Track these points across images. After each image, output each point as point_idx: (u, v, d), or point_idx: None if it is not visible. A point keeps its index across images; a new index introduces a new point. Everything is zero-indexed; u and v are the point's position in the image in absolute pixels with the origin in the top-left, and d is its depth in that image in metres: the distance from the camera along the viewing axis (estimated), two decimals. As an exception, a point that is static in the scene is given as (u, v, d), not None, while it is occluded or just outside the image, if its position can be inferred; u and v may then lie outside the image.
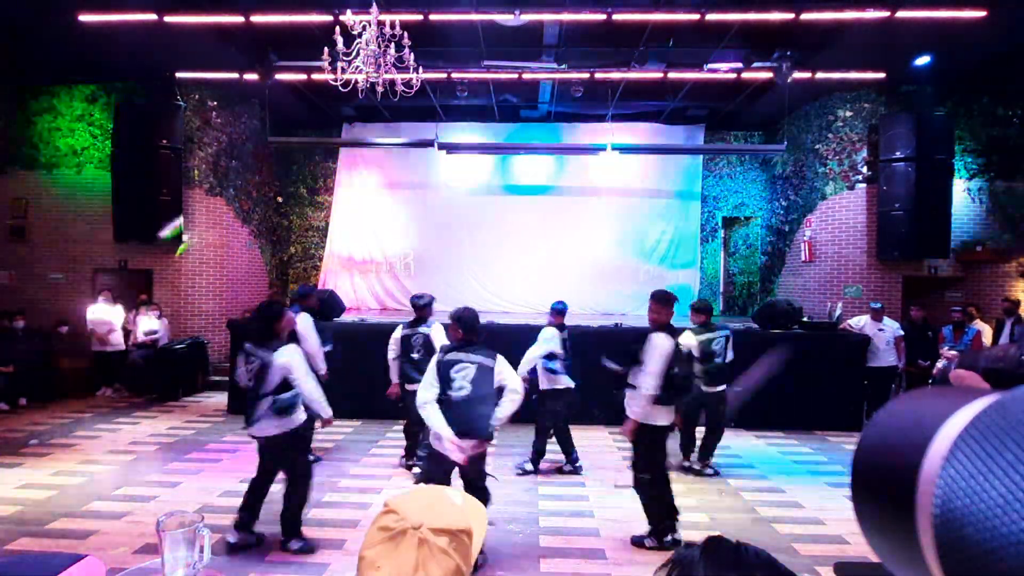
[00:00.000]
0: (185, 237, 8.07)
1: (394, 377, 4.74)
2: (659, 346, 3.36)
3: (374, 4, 4.72)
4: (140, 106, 7.91)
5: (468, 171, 10.17)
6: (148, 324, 7.59)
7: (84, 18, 6.15)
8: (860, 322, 6.64)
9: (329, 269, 10.27)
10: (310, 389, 3.33)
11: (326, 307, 6.76)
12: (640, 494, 3.54)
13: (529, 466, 4.79)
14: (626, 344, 3.62)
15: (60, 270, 8.34)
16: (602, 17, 6.04)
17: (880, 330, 6.43)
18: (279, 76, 7.51)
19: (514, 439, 5.53)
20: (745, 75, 7.43)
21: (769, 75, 7.23)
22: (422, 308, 4.65)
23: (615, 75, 7.61)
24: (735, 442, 5.74)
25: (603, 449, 5.60)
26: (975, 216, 7.82)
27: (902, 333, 6.50)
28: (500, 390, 3.10)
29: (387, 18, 4.80)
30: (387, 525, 0.77)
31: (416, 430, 4.58)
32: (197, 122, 8.26)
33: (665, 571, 0.51)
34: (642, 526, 3.57)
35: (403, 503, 0.80)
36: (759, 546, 0.50)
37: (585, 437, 5.94)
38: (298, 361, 3.29)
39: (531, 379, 4.56)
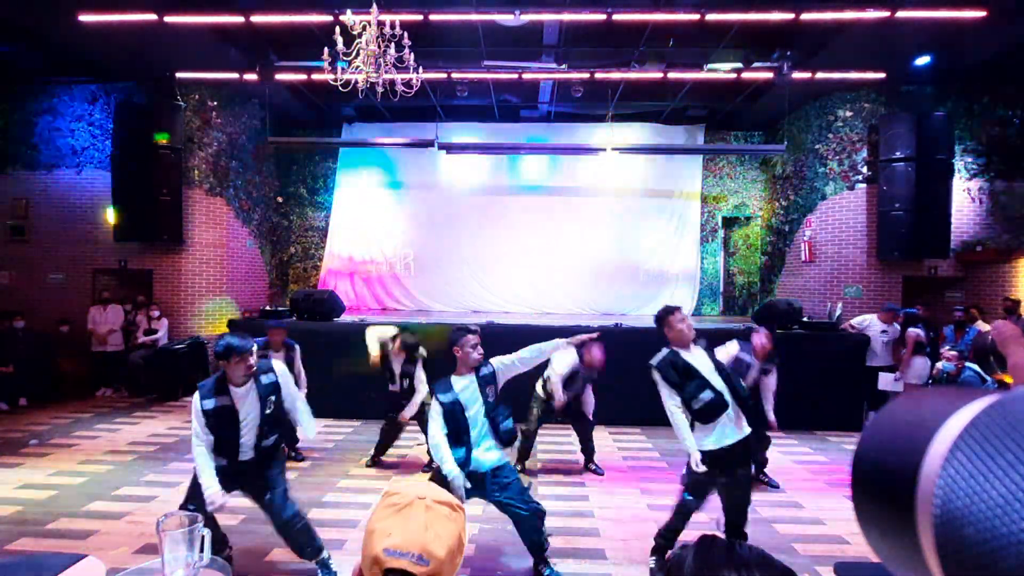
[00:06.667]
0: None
1: None
2: None
3: (374, 4, 4.72)
4: (140, 106, 7.90)
5: (468, 171, 10.17)
6: (149, 325, 7.60)
7: (84, 18, 6.14)
8: (864, 321, 6.59)
9: (329, 269, 10.26)
10: None
11: (326, 307, 6.77)
12: None
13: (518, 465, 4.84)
14: None
15: (60, 270, 8.34)
16: (602, 17, 6.04)
17: (883, 331, 6.39)
18: (279, 76, 7.50)
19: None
20: (745, 75, 7.42)
21: (769, 75, 7.22)
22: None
23: (615, 75, 7.61)
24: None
25: (603, 449, 5.59)
26: (975, 216, 7.81)
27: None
28: None
29: (387, 18, 4.80)
30: (393, 502, 0.86)
31: None
32: (197, 122, 8.24)
33: (663, 571, 0.51)
34: (647, 527, 3.55)
35: (402, 486, 0.89)
36: (759, 546, 0.50)
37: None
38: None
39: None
